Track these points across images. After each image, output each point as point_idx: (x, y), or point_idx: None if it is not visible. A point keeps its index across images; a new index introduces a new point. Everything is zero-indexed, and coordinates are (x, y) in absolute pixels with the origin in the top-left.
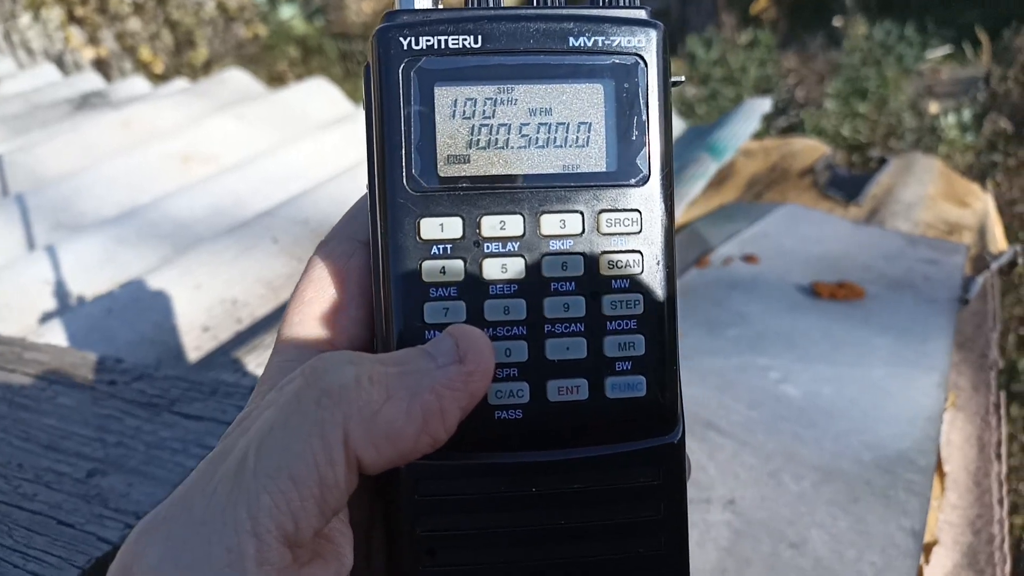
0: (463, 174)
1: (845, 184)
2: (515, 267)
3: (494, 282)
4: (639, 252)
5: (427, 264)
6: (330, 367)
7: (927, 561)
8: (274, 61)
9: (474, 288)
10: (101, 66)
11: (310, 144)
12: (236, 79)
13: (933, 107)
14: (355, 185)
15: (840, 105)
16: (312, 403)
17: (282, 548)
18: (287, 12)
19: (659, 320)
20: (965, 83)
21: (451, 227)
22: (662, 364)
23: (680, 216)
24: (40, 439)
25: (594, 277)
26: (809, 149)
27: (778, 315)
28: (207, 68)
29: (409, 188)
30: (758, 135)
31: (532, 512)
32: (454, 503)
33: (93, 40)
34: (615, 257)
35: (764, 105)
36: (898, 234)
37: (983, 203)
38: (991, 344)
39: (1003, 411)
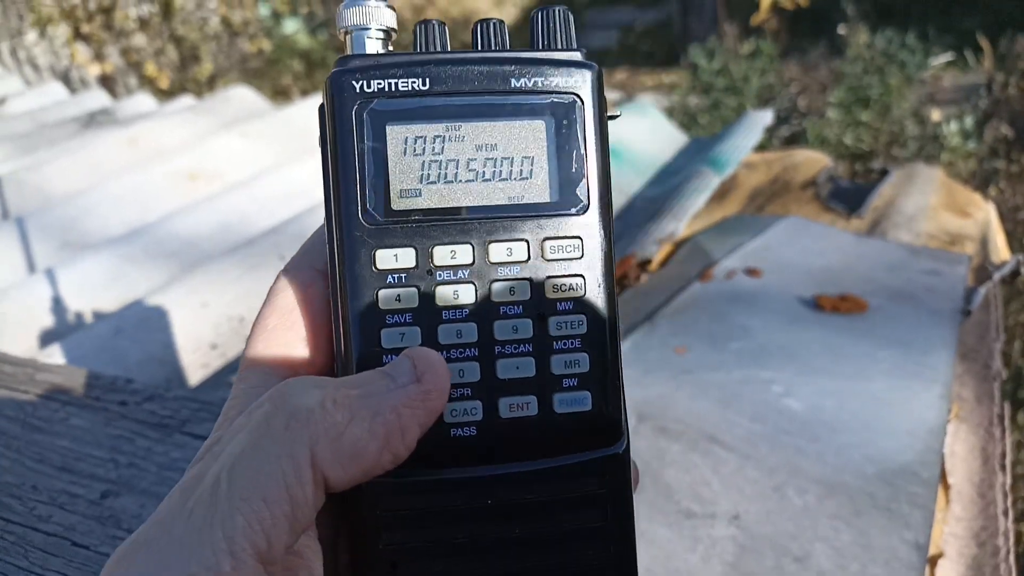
0: (415, 207)
1: (847, 196)
2: (466, 293)
3: (447, 308)
4: (581, 276)
5: (383, 292)
6: (296, 392)
7: (932, 574)
8: (278, 75)
9: (428, 314)
10: (107, 82)
11: (315, 161)
12: (241, 96)
13: (935, 114)
14: None
15: (843, 114)
16: (281, 427)
17: (256, 565)
18: (291, 26)
19: (602, 338)
20: (967, 90)
21: (405, 257)
22: (606, 379)
23: (683, 230)
24: (54, 461)
25: (540, 300)
26: (811, 161)
27: (781, 328)
28: (212, 83)
29: (364, 221)
30: (760, 146)
31: (488, 524)
32: (414, 518)
33: (99, 56)
34: (559, 281)
35: (766, 118)
36: (900, 245)
37: (985, 212)
38: (994, 355)
39: (1007, 421)
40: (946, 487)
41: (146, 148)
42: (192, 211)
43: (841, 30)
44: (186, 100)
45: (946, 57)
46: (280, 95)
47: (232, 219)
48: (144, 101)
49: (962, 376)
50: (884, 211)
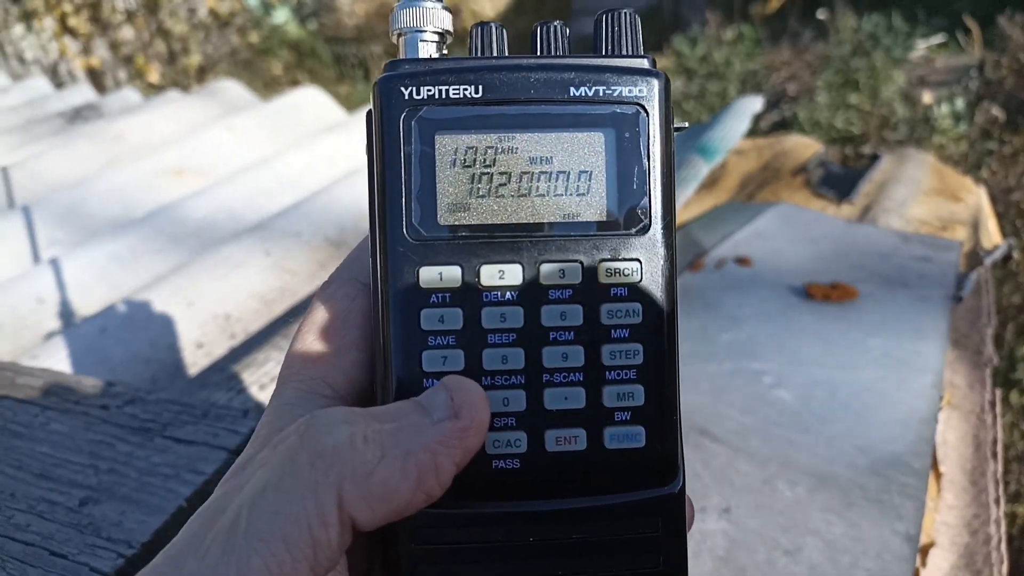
0: (463, 223)
1: (838, 182)
2: (514, 316)
3: (492, 331)
4: (639, 302)
5: (426, 312)
6: (324, 426)
7: (924, 564)
8: (268, 66)
9: (472, 337)
10: (95, 75)
11: (302, 153)
12: (227, 89)
13: (926, 97)
14: (346, 194)
15: (832, 97)
16: (306, 464)
17: None
18: (280, 16)
19: (659, 370)
20: (958, 72)
21: (450, 276)
22: (662, 414)
23: None
24: (33, 468)
25: (593, 327)
26: (801, 147)
27: (771, 318)
28: (201, 74)
29: (409, 237)
30: (750, 131)
31: (529, 563)
32: (451, 552)
33: (87, 50)
34: (614, 307)
35: (755, 104)
36: (891, 232)
37: (976, 196)
38: (986, 341)
39: (999, 407)
40: (938, 475)
41: (132, 143)
42: (178, 207)
43: (821, 15)
44: (172, 94)
45: (937, 39)
46: (270, 85)
47: (219, 215)
48: (130, 96)
49: (954, 363)
50: (875, 196)
